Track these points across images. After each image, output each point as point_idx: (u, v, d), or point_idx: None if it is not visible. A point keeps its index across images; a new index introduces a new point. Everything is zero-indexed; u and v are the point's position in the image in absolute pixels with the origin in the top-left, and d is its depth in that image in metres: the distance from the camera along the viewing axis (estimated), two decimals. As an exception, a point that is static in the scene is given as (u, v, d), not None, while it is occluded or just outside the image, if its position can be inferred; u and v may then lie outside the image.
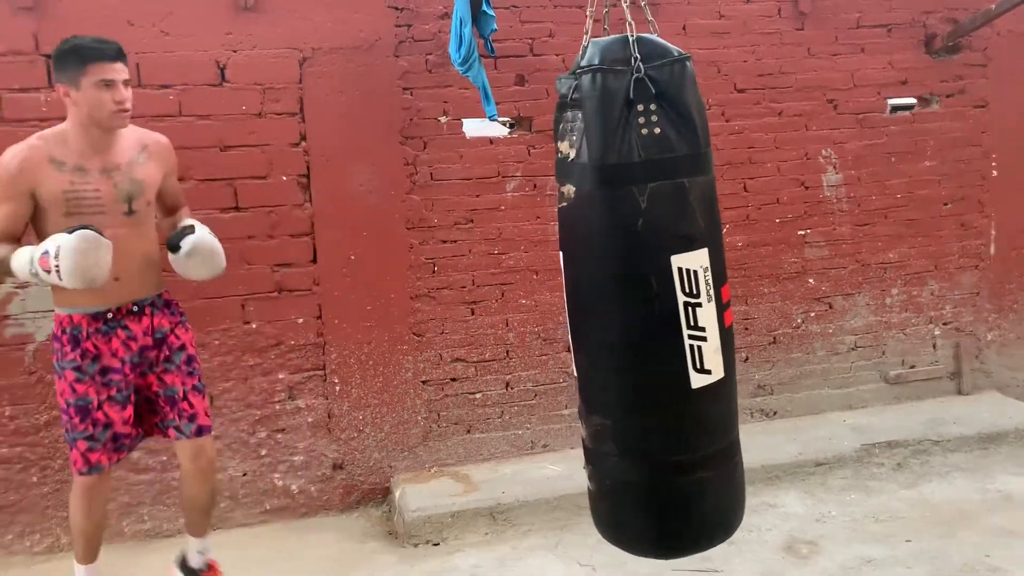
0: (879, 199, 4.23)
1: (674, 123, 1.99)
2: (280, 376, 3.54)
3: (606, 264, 2.00)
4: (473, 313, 3.75)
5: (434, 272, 3.67)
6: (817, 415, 4.23)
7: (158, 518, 3.45)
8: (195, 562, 2.84)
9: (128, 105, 2.43)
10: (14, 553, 3.35)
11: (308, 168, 3.48)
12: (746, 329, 4.13)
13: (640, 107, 1.95)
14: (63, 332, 2.50)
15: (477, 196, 3.69)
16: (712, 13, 3.89)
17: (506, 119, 3.70)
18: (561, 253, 2.09)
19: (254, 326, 3.48)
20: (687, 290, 1.99)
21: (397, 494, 3.56)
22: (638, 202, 1.95)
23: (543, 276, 3.80)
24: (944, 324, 4.41)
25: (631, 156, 1.94)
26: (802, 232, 4.14)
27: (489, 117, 3.37)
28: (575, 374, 2.14)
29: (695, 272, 2.00)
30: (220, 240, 3.36)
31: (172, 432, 2.65)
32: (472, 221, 3.69)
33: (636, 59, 1.96)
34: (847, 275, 4.24)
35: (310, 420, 3.59)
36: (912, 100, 4.29)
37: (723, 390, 2.10)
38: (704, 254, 2.02)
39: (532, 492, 3.51)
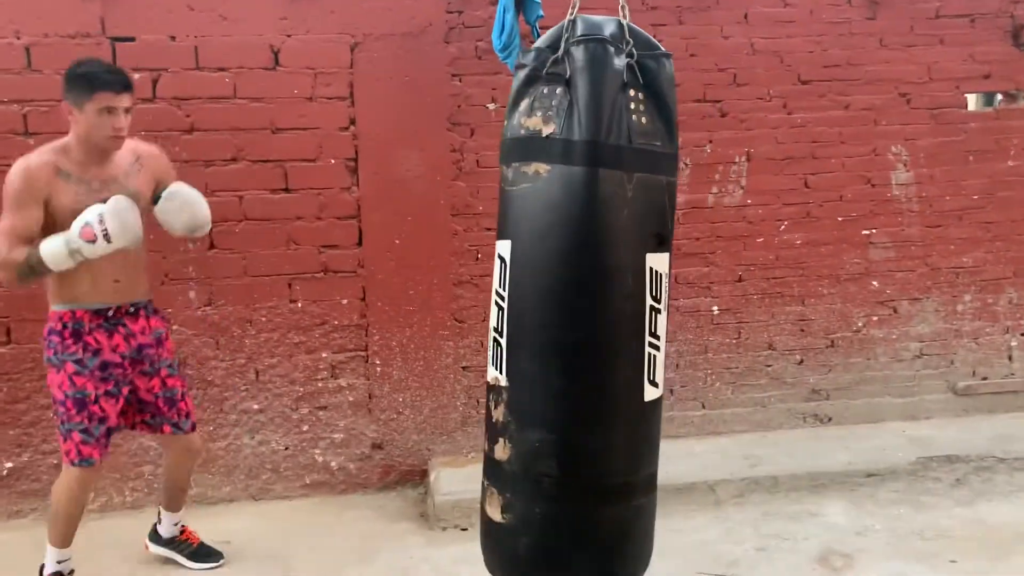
0: (953, 199, 3.99)
1: (659, 117, 1.92)
2: (323, 355, 3.62)
3: (580, 254, 1.84)
4: (516, 301, 3.74)
5: (477, 259, 3.67)
6: (875, 424, 4.04)
7: (203, 485, 3.58)
8: (169, 532, 3.11)
9: (124, 133, 2.58)
10: (71, 509, 3.55)
11: (356, 152, 3.53)
12: (801, 331, 3.98)
13: (632, 92, 1.88)
14: (64, 327, 2.64)
15: (524, 184, 3.67)
16: (776, 1, 3.74)
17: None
18: (507, 241, 1.90)
19: (300, 305, 3.57)
20: (653, 293, 1.89)
21: (432, 477, 3.60)
22: (626, 189, 1.84)
23: (589, 267, 3.76)
24: (1023, 335, 4.15)
25: (624, 140, 1.84)
26: (867, 232, 3.96)
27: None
28: (503, 383, 1.90)
29: (661, 275, 1.91)
30: (269, 220, 3.53)
31: (167, 428, 2.88)
32: (518, 209, 3.67)
33: (630, 43, 1.90)
34: (915, 279, 4.03)
35: (351, 399, 3.67)
36: (997, 95, 4.04)
37: (661, 408, 2.01)
38: (667, 259, 1.94)
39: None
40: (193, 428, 2.95)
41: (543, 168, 1.85)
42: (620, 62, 1.87)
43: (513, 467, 1.89)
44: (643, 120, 1.88)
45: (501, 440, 1.90)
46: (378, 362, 3.66)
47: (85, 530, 3.39)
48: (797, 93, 3.82)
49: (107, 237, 2.43)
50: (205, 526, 3.37)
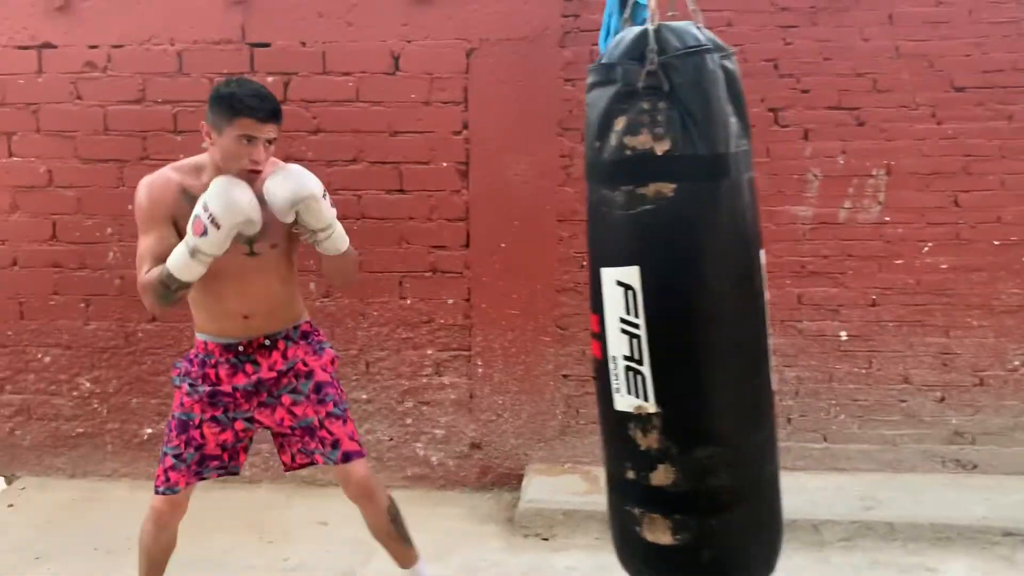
0: None
1: (741, 117, 1.89)
2: (429, 352, 3.71)
3: (723, 266, 1.82)
4: (621, 312, 3.65)
5: (582, 267, 3.61)
6: (1030, 477, 3.57)
7: (315, 468, 3.77)
8: None
9: (261, 167, 2.30)
10: (199, 476, 3.87)
11: (468, 156, 3.59)
12: (944, 365, 3.58)
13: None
14: (196, 356, 2.51)
15: (635, 192, 3.57)
16: (928, 0, 3.39)
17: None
18: (632, 268, 1.83)
19: (408, 302, 3.69)
20: (766, 286, 1.92)
21: (525, 482, 3.59)
22: (744, 194, 1.84)
23: (701, 281, 3.60)
24: None
25: (734, 146, 1.82)
26: (1030, 258, 3.50)
27: (629, 111, 3.25)
28: (652, 410, 1.85)
29: (765, 268, 1.91)
30: (384, 220, 3.66)
31: (319, 459, 2.56)
32: (627, 218, 3.58)
33: (710, 46, 1.84)
34: (1089, 315, 3.51)
35: (453, 397, 3.73)
36: None
37: None
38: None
39: (655, 505, 3.37)
40: (346, 459, 2.53)
41: (667, 188, 1.78)
42: (720, 71, 1.82)
43: (680, 489, 1.86)
44: (733, 120, 1.85)
45: (660, 467, 1.86)
46: (480, 363, 3.69)
47: (202, 500, 3.71)
48: (949, 101, 3.44)
49: (214, 222, 2.16)
50: (310, 506, 3.59)
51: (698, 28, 1.87)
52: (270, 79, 3.55)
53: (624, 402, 1.87)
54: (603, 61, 1.93)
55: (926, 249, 3.54)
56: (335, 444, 2.52)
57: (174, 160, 3.58)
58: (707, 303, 1.82)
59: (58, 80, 3.64)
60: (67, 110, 3.65)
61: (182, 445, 2.48)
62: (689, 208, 1.78)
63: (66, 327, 3.79)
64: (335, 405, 2.55)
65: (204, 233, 2.17)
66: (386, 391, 3.76)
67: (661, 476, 1.84)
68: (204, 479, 2.56)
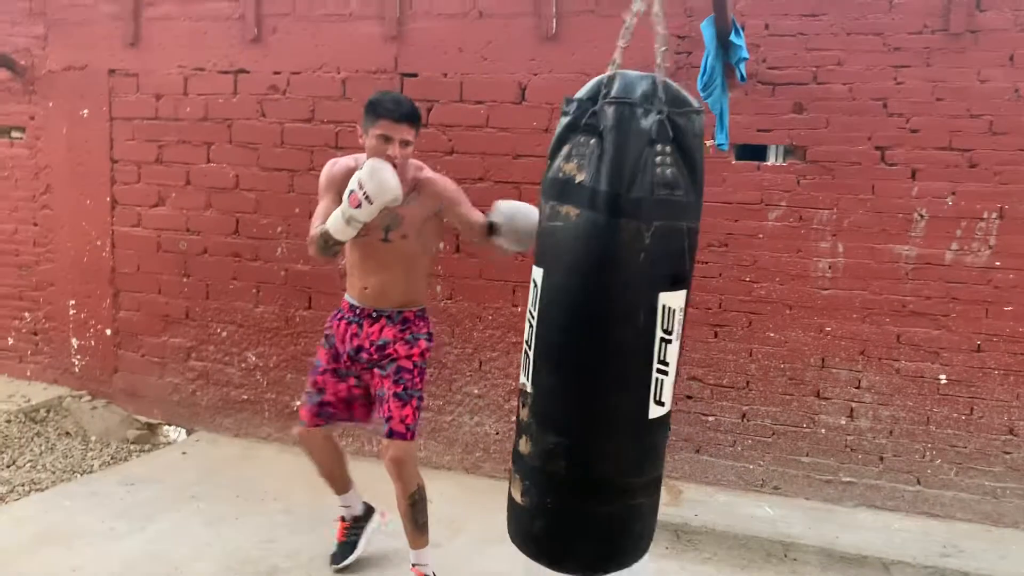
0: None
1: (684, 170, 2.04)
2: (534, 357, 4.04)
3: (601, 292, 2.03)
4: (716, 336, 3.79)
5: (679, 289, 3.79)
6: None
7: (431, 451, 4.23)
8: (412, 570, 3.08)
9: (397, 162, 2.73)
10: (335, 447, 4.43)
11: (581, 179, 3.88)
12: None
13: (659, 147, 2.00)
14: (337, 310, 3.06)
15: (735, 221, 3.71)
16: (1054, 41, 3.28)
17: (779, 146, 3.65)
18: (540, 270, 2.14)
19: (519, 309, 4.04)
20: (664, 327, 2.05)
21: (610, 487, 3.83)
22: (644, 237, 2.00)
23: (797, 312, 3.66)
24: None
25: (644, 192, 1.99)
26: None
27: (717, 144, 3.40)
28: (529, 390, 2.16)
29: (674, 311, 2.05)
30: (505, 233, 4.04)
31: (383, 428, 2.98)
32: (726, 245, 3.72)
33: (662, 100, 2.02)
34: None
35: (554, 401, 4.03)
36: None
37: (667, 421, 2.15)
38: (683, 296, 2.08)
39: (726, 523, 3.48)
40: (390, 435, 2.90)
41: (574, 211, 2.04)
42: (648, 121, 2.00)
43: (533, 461, 2.14)
44: (668, 172, 2.00)
45: (524, 437, 2.16)
46: (580, 372, 3.97)
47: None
48: (1072, 146, 3.30)
49: (368, 198, 2.60)
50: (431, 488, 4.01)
51: (654, 81, 2.04)
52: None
53: (521, 378, 2.20)
54: (575, 96, 2.13)
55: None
56: (388, 419, 2.92)
57: (334, 172, 4.23)
58: (579, 318, 2.04)
59: (248, 100, 4.35)
60: (253, 125, 4.36)
61: (311, 386, 3.05)
62: (583, 233, 2.01)
63: (240, 308, 4.49)
64: (404, 389, 2.95)
65: (359, 206, 2.63)
66: (495, 388, 4.13)
67: (524, 445, 2.13)
68: (327, 422, 3.08)
